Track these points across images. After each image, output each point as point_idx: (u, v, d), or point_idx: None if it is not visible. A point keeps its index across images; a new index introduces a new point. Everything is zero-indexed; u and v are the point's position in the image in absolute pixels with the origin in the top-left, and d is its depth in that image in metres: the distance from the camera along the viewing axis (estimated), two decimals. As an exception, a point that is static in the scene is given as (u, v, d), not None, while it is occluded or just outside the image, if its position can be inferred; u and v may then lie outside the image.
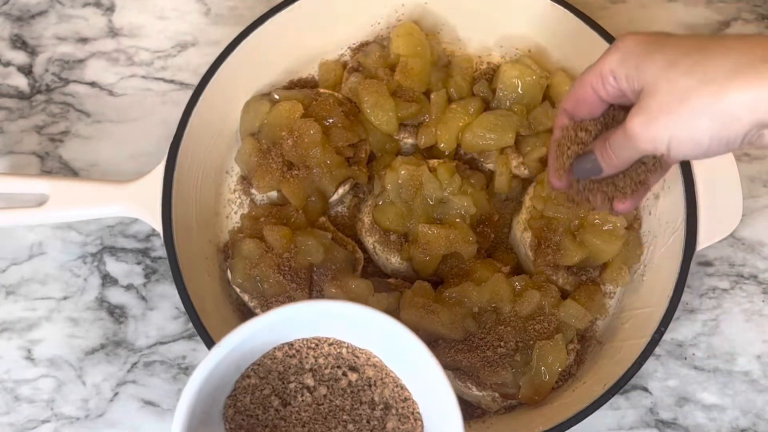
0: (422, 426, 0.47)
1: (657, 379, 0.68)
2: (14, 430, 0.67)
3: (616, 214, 0.58)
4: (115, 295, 0.70)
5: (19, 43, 0.77)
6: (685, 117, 0.44)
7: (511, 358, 0.63)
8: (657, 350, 0.63)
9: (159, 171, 0.65)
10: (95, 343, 0.69)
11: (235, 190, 0.71)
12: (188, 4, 0.78)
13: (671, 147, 0.45)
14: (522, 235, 0.67)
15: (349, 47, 0.74)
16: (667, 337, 0.67)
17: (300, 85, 0.73)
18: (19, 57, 0.76)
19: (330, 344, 0.49)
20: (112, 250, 0.71)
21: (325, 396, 0.47)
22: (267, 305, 0.65)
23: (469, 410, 0.65)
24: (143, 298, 0.70)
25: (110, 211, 0.65)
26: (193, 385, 0.45)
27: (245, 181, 0.71)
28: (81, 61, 0.76)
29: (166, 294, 0.70)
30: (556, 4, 0.68)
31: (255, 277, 0.65)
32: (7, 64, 0.76)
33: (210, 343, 0.61)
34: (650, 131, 0.45)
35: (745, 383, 0.68)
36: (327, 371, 0.48)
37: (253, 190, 0.69)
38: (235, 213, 0.70)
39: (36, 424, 0.67)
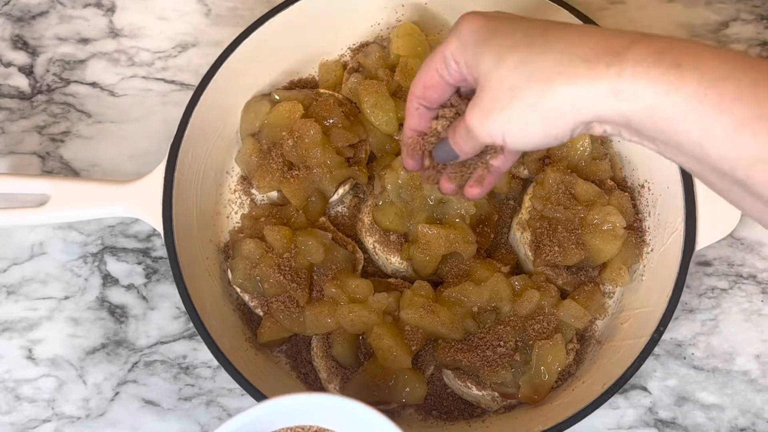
0: None
1: (656, 378, 0.68)
2: (15, 430, 0.67)
3: (467, 200, 0.59)
4: (116, 295, 0.70)
5: (20, 43, 0.77)
6: (516, 114, 0.44)
7: (510, 357, 0.63)
8: (656, 350, 0.63)
9: (159, 171, 0.65)
10: (96, 342, 0.69)
11: (235, 191, 0.71)
12: (189, 5, 0.78)
13: (506, 140, 0.46)
14: (522, 235, 0.67)
15: (349, 47, 0.74)
16: (666, 336, 0.67)
17: (300, 86, 0.73)
18: (20, 57, 0.77)
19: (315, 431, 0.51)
20: (113, 250, 0.71)
21: None
22: (267, 305, 0.66)
23: (469, 410, 0.66)
24: (144, 298, 0.70)
25: (111, 211, 0.65)
26: None
27: (245, 181, 0.71)
28: (82, 61, 0.76)
29: (167, 294, 0.70)
30: (556, 5, 0.68)
31: (255, 277, 0.65)
32: (8, 64, 0.76)
33: (210, 342, 0.61)
34: (485, 126, 0.46)
35: (744, 383, 0.68)
36: None
37: (254, 190, 0.69)
38: (236, 213, 0.71)
39: (37, 423, 0.67)
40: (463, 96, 0.53)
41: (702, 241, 0.63)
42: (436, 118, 0.53)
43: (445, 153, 0.52)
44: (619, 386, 0.61)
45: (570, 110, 0.43)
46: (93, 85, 0.76)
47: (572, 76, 0.42)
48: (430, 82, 0.51)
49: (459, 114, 0.52)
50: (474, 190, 0.54)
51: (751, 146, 0.38)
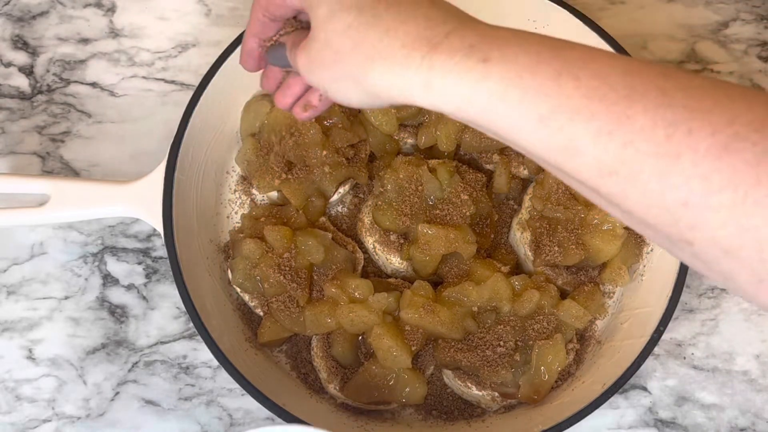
0: None
1: (656, 378, 0.68)
2: (15, 430, 0.67)
3: (301, 118, 0.59)
4: (116, 295, 0.70)
5: (20, 43, 0.77)
6: (337, 77, 0.45)
7: (510, 357, 0.63)
8: (656, 350, 0.63)
9: (160, 171, 0.65)
10: (96, 342, 0.69)
11: (235, 190, 0.71)
12: (189, 5, 0.78)
13: (328, 94, 0.47)
14: (522, 235, 0.67)
15: (349, 48, 0.74)
16: (666, 336, 0.67)
17: (300, 86, 0.73)
18: (20, 57, 0.77)
19: None
20: (113, 250, 0.71)
21: None
22: (267, 305, 0.66)
23: (469, 410, 0.66)
24: (144, 298, 0.70)
25: (111, 211, 0.65)
26: None
27: (245, 181, 0.71)
28: (82, 61, 0.76)
29: (167, 294, 0.70)
30: (556, 5, 0.68)
31: (255, 277, 0.65)
32: (9, 64, 0.76)
33: (210, 342, 0.61)
34: (310, 74, 0.47)
35: (743, 383, 0.68)
36: None
37: (254, 190, 0.69)
38: (236, 213, 0.71)
39: (37, 423, 0.67)
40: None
41: (702, 241, 0.63)
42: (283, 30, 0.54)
43: (279, 58, 0.53)
44: (619, 386, 0.61)
45: (385, 93, 0.43)
46: (93, 85, 0.76)
47: (389, 61, 0.42)
48: (272, 1, 0.51)
49: (301, 29, 0.52)
50: (302, 114, 0.55)
51: (557, 137, 0.38)
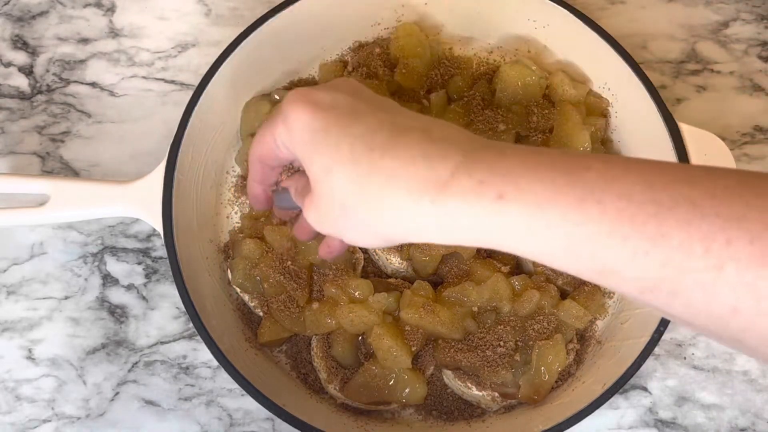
0: None
1: (656, 378, 0.68)
2: (15, 430, 0.67)
3: (328, 259, 0.60)
4: (116, 295, 0.70)
5: (20, 43, 0.77)
6: (349, 227, 0.44)
7: (510, 357, 0.63)
8: (656, 350, 0.63)
9: (159, 171, 0.65)
10: (96, 342, 0.69)
11: (235, 190, 0.71)
12: (189, 5, 0.78)
13: (345, 240, 0.46)
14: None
15: (349, 47, 0.74)
16: (666, 336, 0.67)
17: (300, 86, 0.73)
18: (20, 57, 0.77)
19: None
20: (113, 250, 0.71)
21: None
22: (267, 305, 0.66)
23: (469, 410, 0.65)
24: (144, 298, 0.70)
25: (111, 211, 0.65)
26: None
27: (245, 181, 0.71)
28: (82, 61, 0.76)
29: (167, 294, 0.70)
30: (556, 5, 0.68)
31: (255, 277, 0.65)
32: (8, 64, 0.76)
33: (210, 342, 0.61)
34: (322, 226, 0.46)
35: (744, 383, 0.68)
36: None
37: (254, 190, 0.69)
38: (236, 213, 0.71)
39: (37, 423, 0.67)
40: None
41: (702, 241, 0.63)
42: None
43: (286, 202, 0.53)
44: (619, 386, 0.61)
45: (400, 236, 0.43)
46: (93, 85, 0.76)
47: (398, 211, 0.41)
48: (267, 154, 0.50)
49: (302, 173, 0.52)
50: (327, 256, 0.56)
51: (590, 263, 0.38)
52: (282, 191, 0.54)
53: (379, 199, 0.42)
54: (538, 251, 0.39)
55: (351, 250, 0.67)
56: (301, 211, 0.51)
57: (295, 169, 0.53)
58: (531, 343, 0.63)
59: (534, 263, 0.66)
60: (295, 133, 0.45)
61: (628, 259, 0.37)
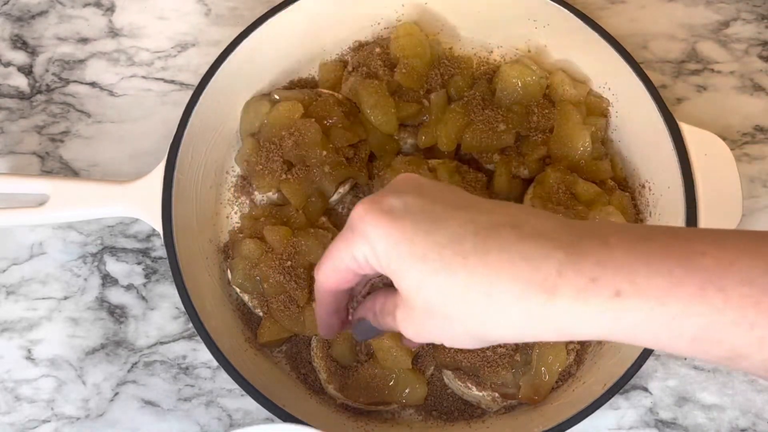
0: None
1: (657, 379, 0.68)
2: (15, 430, 0.67)
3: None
4: (116, 295, 0.70)
5: (19, 43, 0.77)
6: (452, 336, 0.43)
7: (510, 357, 0.63)
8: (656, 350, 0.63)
9: (159, 171, 0.65)
10: (95, 343, 0.69)
11: (235, 190, 0.71)
12: (188, 5, 0.78)
13: (445, 344, 0.45)
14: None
15: (349, 47, 0.74)
16: (666, 337, 0.67)
17: (300, 85, 0.73)
18: (20, 57, 0.76)
19: None
20: (113, 250, 0.71)
21: None
22: (267, 305, 0.66)
23: (469, 410, 0.65)
24: (143, 298, 0.70)
25: (111, 211, 0.65)
26: None
27: (245, 181, 0.71)
28: (81, 61, 0.76)
29: (166, 294, 0.70)
30: (556, 4, 0.68)
31: (255, 277, 0.65)
32: (8, 64, 0.76)
33: (210, 343, 0.61)
34: (422, 337, 0.44)
35: (744, 383, 0.68)
36: None
37: (254, 191, 0.69)
38: (235, 213, 0.71)
39: (36, 423, 0.67)
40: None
41: (703, 241, 0.63)
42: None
43: (367, 332, 0.51)
44: (619, 386, 0.60)
45: (510, 339, 0.42)
46: (92, 84, 0.76)
47: (508, 320, 0.40)
48: (344, 278, 0.47)
49: (376, 294, 0.50)
50: (412, 345, 0.57)
51: (716, 350, 0.38)
52: (360, 323, 0.51)
53: (485, 307, 0.40)
54: (662, 343, 0.39)
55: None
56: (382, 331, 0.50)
57: (362, 295, 0.51)
58: (531, 343, 0.63)
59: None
60: (378, 246, 0.43)
61: (756, 345, 0.36)
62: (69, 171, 0.73)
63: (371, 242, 0.43)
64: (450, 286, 0.41)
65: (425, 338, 0.44)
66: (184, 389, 0.68)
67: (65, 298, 0.70)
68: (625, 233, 0.40)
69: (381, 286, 0.52)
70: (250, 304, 0.67)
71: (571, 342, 0.65)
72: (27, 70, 0.76)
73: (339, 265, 0.46)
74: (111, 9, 0.78)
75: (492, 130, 0.68)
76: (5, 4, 0.78)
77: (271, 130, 0.67)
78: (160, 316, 0.70)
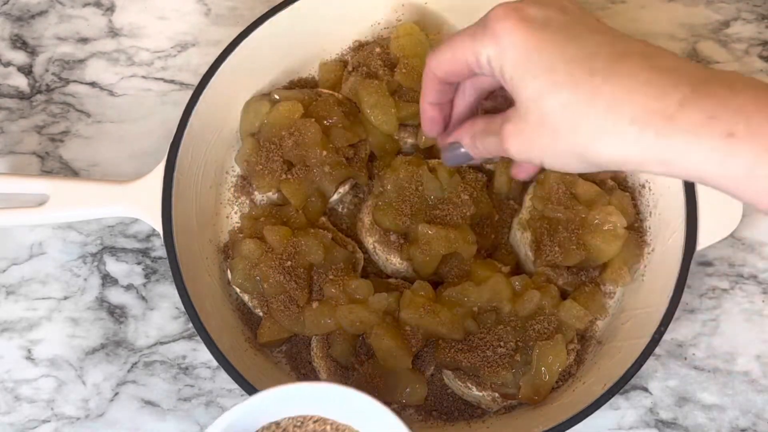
0: None
1: (657, 379, 0.68)
2: (15, 430, 0.67)
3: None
4: (116, 295, 0.70)
5: (19, 43, 0.77)
6: (557, 154, 0.44)
7: (511, 358, 0.63)
8: (657, 350, 0.63)
9: (159, 171, 0.65)
10: (95, 343, 0.69)
11: (235, 190, 0.71)
12: (188, 5, 0.78)
13: (544, 165, 0.46)
14: (522, 235, 0.67)
15: (349, 47, 0.74)
16: (667, 337, 0.67)
17: (300, 85, 0.73)
18: (20, 57, 0.76)
19: (314, 422, 0.51)
20: (113, 250, 0.71)
21: None
22: (267, 305, 0.65)
23: (469, 410, 0.65)
24: (143, 298, 0.70)
25: (110, 211, 0.65)
26: None
27: (245, 181, 0.71)
28: (81, 61, 0.76)
29: (166, 294, 0.70)
30: (556, 4, 0.68)
31: (255, 277, 0.65)
32: (8, 64, 0.76)
33: (210, 343, 0.61)
34: (524, 154, 0.45)
35: (744, 383, 0.68)
36: None
37: (254, 191, 0.69)
38: (235, 213, 0.71)
39: (36, 423, 0.67)
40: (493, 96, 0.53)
41: (703, 242, 0.63)
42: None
43: (459, 158, 0.52)
44: (619, 387, 0.60)
45: (614, 164, 0.42)
46: (92, 84, 0.76)
47: (618, 139, 0.41)
48: (457, 70, 0.48)
49: (479, 117, 0.52)
50: (521, 174, 0.56)
51: None
52: (452, 148, 0.52)
53: (600, 126, 0.41)
54: (753, 194, 0.39)
55: (351, 250, 0.67)
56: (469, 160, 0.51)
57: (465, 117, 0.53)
58: (531, 343, 0.63)
59: (535, 263, 0.66)
60: (507, 51, 0.43)
61: None
62: (69, 171, 0.73)
63: (502, 45, 0.43)
64: (572, 101, 0.41)
65: (528, 154, 0.45)
66: (184, 389, 0.68)
67: (65, 298, 0.70)
68: (752, 82, 0.40)
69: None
70: (250, 304, 0.67)
71: (572, 342, 0.65)
72: (27, 70, 0.76)
73: (458, 56, 0.47)
74: (111, 9, 0.78)
75: (492, 130, 0.68)
76: (5, 3, 0.78)
77: (271, 130, 0.67)
78: (160, 316, 0.69)
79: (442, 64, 0.49)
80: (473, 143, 0.50)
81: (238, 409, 0.48)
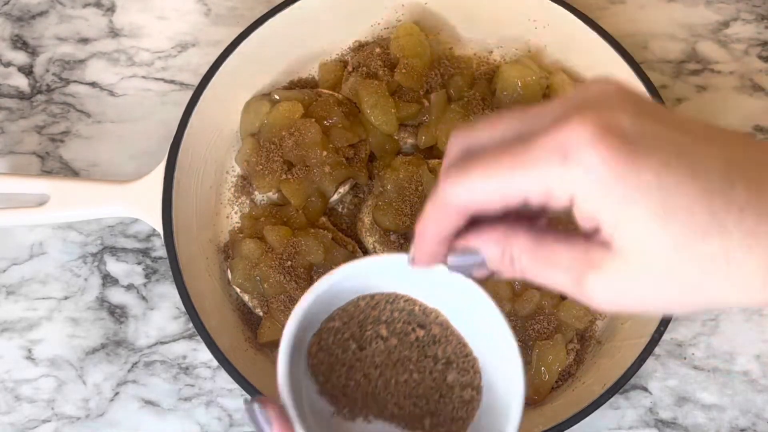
0: (481, 378, 0.49)
1: (656, 378, 0.68)
2: (15, 430, 0.67)
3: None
4: (116, 295, 0.70)
5: (19, 43, 0.77)
6: (669, 302, 0.34)
7: (510, 357, 0.63)
8: (656, 350, 0.63)
9: (159, 171, 0.65)
10: (96, 342, 0.69)
11: (235, 190, 0.71)
12: (188, 5, 0.78)
13: (649, 310, 0.37)
14: (522, 235, 0.67)
15: (349, 47, 0.74)
16: (666, 336, 0.67)
17: (300, 85, 0.73)
18: (20, 57, 0.76)
19: (405, 300, 0.51)
20: (113, 250, 0.71)
21: (395, 346, 0.50)
22: (267, 305, 0.66)
23: (469, 410, 0.65)
24: (143, 298, 0.70)
25: (111, 211, 0.65)
26: (298, 311, 0.46)
27: (245, 181, 0.71)
28: (81, 61, 0.76)
29: (167, 294, 0.70)
30: (556, 4, 0.68)
31: (255, 277, 0.65)
32: (8, 64, 0.76)
33: (210, 343, 0.61)
34: (621, 305, 0.35)
35: (744, 383, 0.68)
36: (399, 325, 0.50)
37: (254, 191, 0.69)
38: (235, 213, 0.71)
39: (36, 423, 0.67)
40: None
41: (702, 241, 0.63)
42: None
43: (470, 269, 0.40)
44: (619, 386, 0.60)
45: (737, 305, 0.34)
46: (93, 85, 0.76)
47: (749, 284, 0.32)
48: (500, 201, 0.34)
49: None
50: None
51: None
52: (464, 252, 0.39)
53: (736, 269, 0.32)
54: None
55: (351, 250, 0.67)
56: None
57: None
58: (531, 343, 0.63)
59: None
60: (597, 181, 0.32)
61: None
62: (69, 171, 0.73)
63: (594, 175, 0.32)
64: (712, 242, 0.32)
65: (625, 304, 0.35)
66: (184, 389, 0.68)
67: (65, 298, 0.70)
68: None
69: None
70: (250, 304, 0.67)
71: (571, 342, 0.65)
72: (27, 70, 0.76)
73: (510, 188, 0.34)
74: (111, 9, 0.78)
75: (492, 130, 0.68)
76: (5, 4, 0.78)
77: (271, 130, 0.67)
78: (161, 316, 0.70)
79: (476, 195, 0.35)
80: (505, 260, 0.37)
81: (352, 267, 0.46)
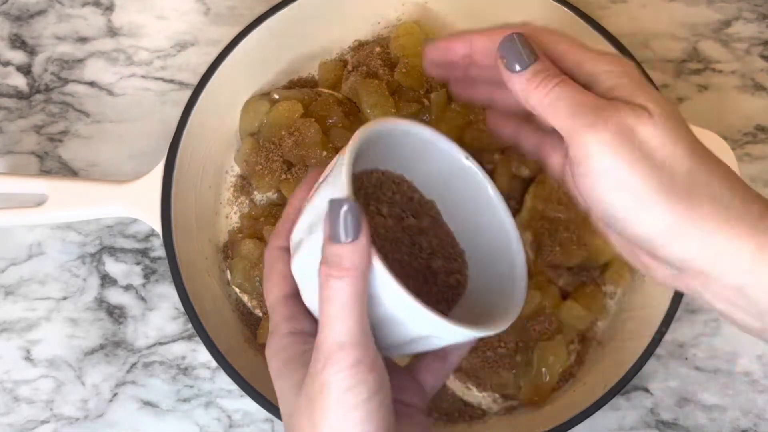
0: (467, 266, 0.52)
1: (658, 379, 0.68)
2: (14, 431, 0.67)
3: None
4: (115, 296, 0.70)
5: (18, 42, 0.77)
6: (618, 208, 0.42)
7: (511, 358, 0.63)
8: (658, 351, 0.62)
9: (158, 171, 0.65)
10: (94, 343, 0.69)
11: (234, 190, 0.71)
12: (187, 4, 0.78)
13: (590, 210, 0.44)
14: (522, 235, 0.67)
15: (349, 47, 0.74)
16: (668, 337, 0.66)
17: (300, 85, 0.73)
18: (18, 56, 0.76)
19: (408, 187, 0.52)
20: (112, 251, 0.71)
21: (391, 227, 0.51)
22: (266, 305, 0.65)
23: (470, 411, 0.65)
24: (142, 299, 0.70)
25: (109, 211, 0.65)
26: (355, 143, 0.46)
27: (245, 181, 0.71)
28: (80, 60, 0.76)
29: (166, 294, 0.70)
30: (556, 4, 0.68)
31: (254, 278, 0.65)
32: (6, 63, 0.76)
33: (209, 343, 0.61)
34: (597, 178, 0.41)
35: (746, 384, 0.68)
36: (396, 210, 0.51)
37: (253, 190, 0.69)
38: (235, 213, 0.70)
39: (35, 424, 0.67)
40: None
41: (704, 242, 0.63)
42: None
43: (515, 53, 0.45)
44: (620, 387, 0.60)
45: (675, 262, 0.41)
46: (91, 84, 0.76)
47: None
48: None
49: None
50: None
51: None
52: (510, 38, 0.47)
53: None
54: None
55: (351, 251, 0.67)
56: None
57: None
58: (532, 343, 0.63)
59: (535, 264, 0.66)
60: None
61: None
62: (68, 171, 0.73)
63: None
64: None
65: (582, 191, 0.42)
66: (183, 390, 0.67)
67: (64, 298, 0.70)
68: None
69: None
70: (249, 305, 0.67)
71: (572, 342, 0.65)
72: (26, 70, 0.76)
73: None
74: (110, 8, 0.78)
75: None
76: (4, 3, 0.78)
77: (271, 130, 0.67)
78: (160, 316, 0.69)
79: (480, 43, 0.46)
80: (537, 84, 0.43)
81: (397, 123, 0.48)
